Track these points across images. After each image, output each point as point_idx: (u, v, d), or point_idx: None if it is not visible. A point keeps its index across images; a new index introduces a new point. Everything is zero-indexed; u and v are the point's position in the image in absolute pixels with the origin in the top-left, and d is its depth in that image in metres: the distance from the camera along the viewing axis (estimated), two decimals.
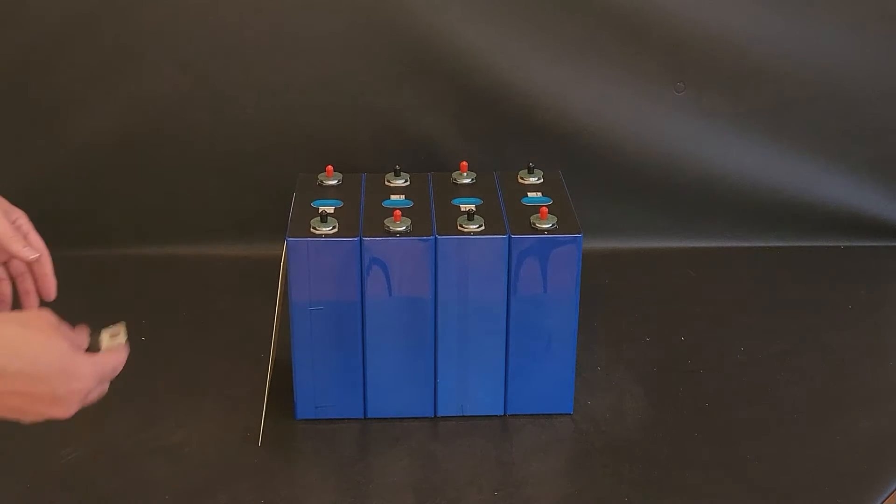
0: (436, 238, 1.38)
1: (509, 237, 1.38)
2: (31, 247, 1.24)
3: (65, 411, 1.07)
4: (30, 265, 1.22)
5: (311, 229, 1.38)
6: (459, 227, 1.39)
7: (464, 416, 1.47)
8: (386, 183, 1.52)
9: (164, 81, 1.81)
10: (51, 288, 1.22)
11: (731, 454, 1.41)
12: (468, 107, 1.84)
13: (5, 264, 1.23)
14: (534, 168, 1.54)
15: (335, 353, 1.43)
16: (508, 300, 1.41)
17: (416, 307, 1.41)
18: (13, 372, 1.02)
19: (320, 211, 1.42)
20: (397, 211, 1.40)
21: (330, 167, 1.54)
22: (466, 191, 1.50)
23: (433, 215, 1.42)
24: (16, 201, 1.84)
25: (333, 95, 1.83)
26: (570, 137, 1.86)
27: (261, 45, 1.80)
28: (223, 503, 1.31)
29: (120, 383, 1.53)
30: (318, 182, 1.52)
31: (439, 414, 1.47)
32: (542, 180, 1.53)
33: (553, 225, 1.40)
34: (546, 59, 1.82)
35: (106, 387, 1.11)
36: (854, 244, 1.96)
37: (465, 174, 1.54)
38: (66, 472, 1.36)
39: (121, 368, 1.11)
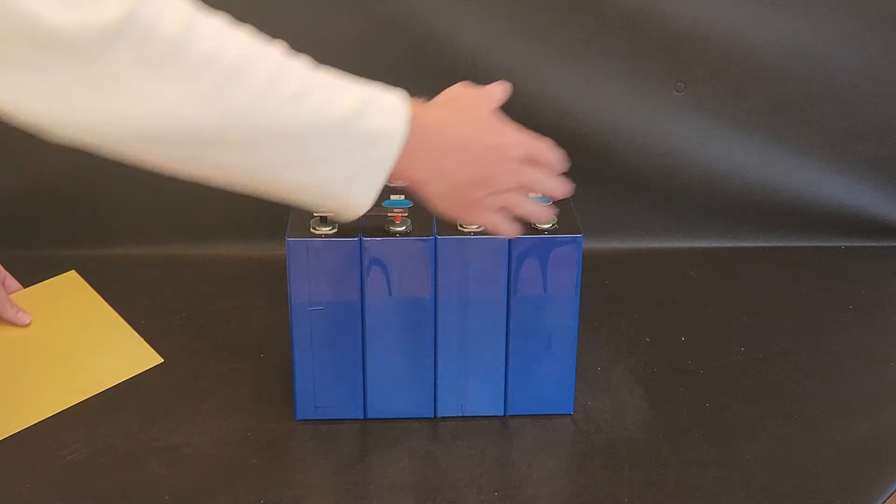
0: (436, 238, 1.38)
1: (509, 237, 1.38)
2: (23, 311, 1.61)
3: None
4: None
5: (311, 229, 1.38)
6: (459, 228, 1.39)
7: (464, 417, 1.47)
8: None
9: None
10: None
11: (731, 454, 1.41)
12: None
13: None
14: None
15: (335, 353, 1.43)
16: (508, 300, 1.41)
17: (416, 307, 1.41)
18: None
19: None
20: (397, 210, 1.40)
21: None
22: None
23: (433, 215, 1.42)
24: (16, 201, 1.85)
25: None
26: (570, 137, 1.86)
27: None
28: (223, 503, 1.31)
29: (120, 383, 1.54)
30: None
31: (439, 414, 1.47)
32: None
33: (553, 225, 1.40)
34: (546, 59, 1.82)
35: None
36: (854, 244, 1.95)
37: None
38: (66, 472, 1.36)
39: None
